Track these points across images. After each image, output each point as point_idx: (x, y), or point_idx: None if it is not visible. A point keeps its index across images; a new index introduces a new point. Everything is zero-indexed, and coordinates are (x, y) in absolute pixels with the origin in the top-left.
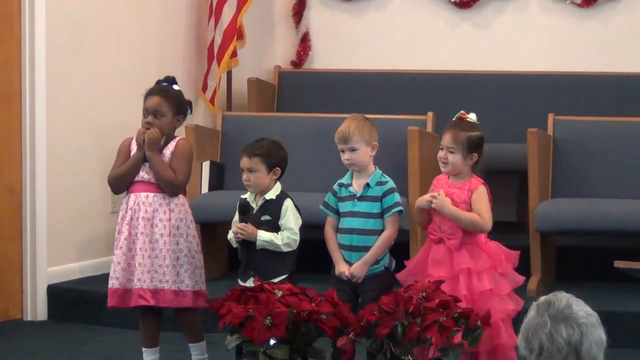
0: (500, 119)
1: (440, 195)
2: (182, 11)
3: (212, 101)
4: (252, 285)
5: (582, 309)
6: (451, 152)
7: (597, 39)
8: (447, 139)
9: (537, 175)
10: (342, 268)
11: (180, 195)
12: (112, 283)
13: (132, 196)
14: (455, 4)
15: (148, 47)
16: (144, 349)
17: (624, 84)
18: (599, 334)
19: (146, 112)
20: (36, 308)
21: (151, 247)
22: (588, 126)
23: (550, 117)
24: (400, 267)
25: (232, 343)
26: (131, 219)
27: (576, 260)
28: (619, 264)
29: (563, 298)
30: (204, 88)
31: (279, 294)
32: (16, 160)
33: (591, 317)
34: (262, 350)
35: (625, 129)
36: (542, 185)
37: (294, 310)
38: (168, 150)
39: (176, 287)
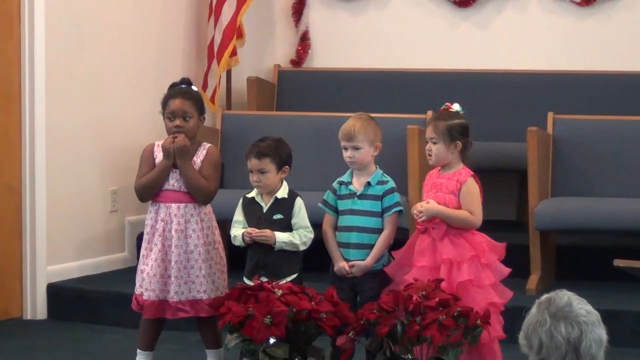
0: (499, 118)
1: (422, 206)
2: (182, 10)
3: (212, 100)
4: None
5: (582, 308)
6: (434, 143)
7: (596, 38)
8: (428, 130)
9: (536, 174)
10: (341, 264)
11: None
12: (149, 295)
13: (163, 207)
14: (455, 3)
15: (148, 46)
16: (139, 351)
17: (624, 82)
18: (599, 333)
19: (173, 115)
20: (36, 307)
21: (186, 259)
22: (588, 125)
23: (550, 116)
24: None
25: (231, 342)
26: (163, 230)
27: (576, 259)
28: (618, 262)
29: (564, 296)
30: (204, 87)
31: (279, 292)
32: (16, 160)
33: (591, 316)
34: (261, 349)
35: (626, 128)
36: (541, 184)
37: (294, 309)
38: (199, 158)
39: (213, 296)
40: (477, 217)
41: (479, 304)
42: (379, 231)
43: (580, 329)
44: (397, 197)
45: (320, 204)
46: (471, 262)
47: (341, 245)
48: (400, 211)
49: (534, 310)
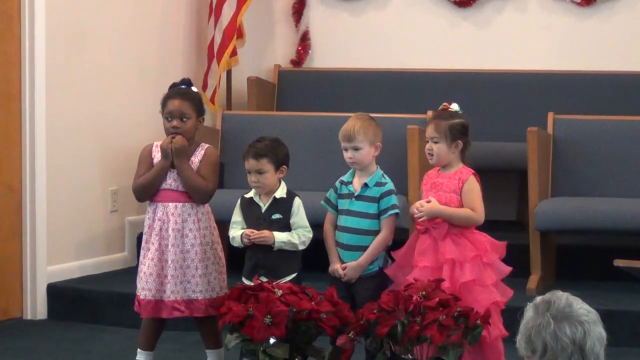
0: (500, 118)
1: (422, 205)
2: (182, 10)
3: (212, 100)
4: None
5: (581, 307)
6: (435, 142)
7: (596, 38)
8: (429, 130)
9: (537, 174)
10: (335, 266)
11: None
12: (145, 294)
13: (160, 206)
14: (455, 3)
15: (148, 46)
16: (139, 350)
17: (623, 82)
18: (600, 331)
19: (170, 116)
20: (36, 307)
21: (182, 258)
22: (588, 125)
23: (550, 116)
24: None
25: (231, 342)
26: (160, 229)
27: (576, 259)
28: (619, 262)
29: (562, 297)
30: (204, 87)
31: (279, 292)
32: (16, 159)
33: (591, 315)
34: (261, 349)
35: (625, 128)
36: (542, 184)
37: (294, 309)
38: (197, 158)
39: (209, 296)
40: (480, 214)
41: (482, 304)
42: (374, 233)
43: (584, 328)
44: (394, 199)
45: (322, 202)
46: (473, 261)
47: (338, 245)
48: (396, 214)
49: (531, 313)
